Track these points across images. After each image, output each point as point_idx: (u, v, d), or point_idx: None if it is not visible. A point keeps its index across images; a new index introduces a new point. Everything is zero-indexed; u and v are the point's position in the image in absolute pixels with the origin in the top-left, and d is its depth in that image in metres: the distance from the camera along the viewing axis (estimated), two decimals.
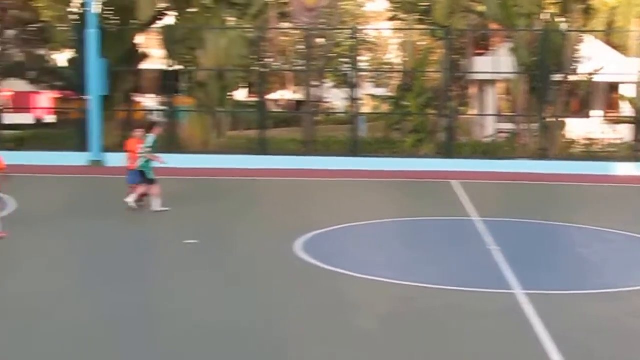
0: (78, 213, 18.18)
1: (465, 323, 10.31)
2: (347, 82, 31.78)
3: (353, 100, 30.52)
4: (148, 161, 18.16)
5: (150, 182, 18.25)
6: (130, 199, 18.13)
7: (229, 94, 30.64)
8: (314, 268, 13.23)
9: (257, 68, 29.57)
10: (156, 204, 18.15)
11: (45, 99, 39.39)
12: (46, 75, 36.45)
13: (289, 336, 9.85)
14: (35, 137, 30.69)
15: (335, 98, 40.32)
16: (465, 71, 32.35)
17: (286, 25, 35.41)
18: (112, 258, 14.17)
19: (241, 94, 42.94)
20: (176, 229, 16.58)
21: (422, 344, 9.56)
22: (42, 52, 36.77)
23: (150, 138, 18.13)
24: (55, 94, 39.60)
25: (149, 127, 18.83)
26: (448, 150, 28.89)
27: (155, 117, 35.38)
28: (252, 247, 14.94)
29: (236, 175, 25.54)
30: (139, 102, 37.36)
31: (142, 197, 18.37)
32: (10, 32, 35.98)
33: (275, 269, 13.28)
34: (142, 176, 18.33)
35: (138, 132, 18.90)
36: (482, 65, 32.82)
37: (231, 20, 30.06)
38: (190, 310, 10.69)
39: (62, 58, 36.55)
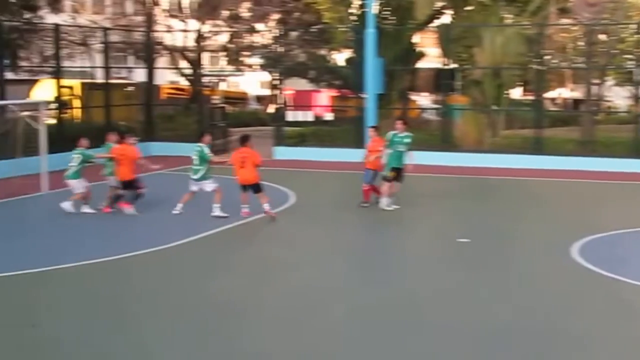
0: (351, 207, 18.86)
1: None
2: (631, 79, 30.39)
3: (637, 98, 29.19)
4: (400, 156, 18.29)
5: (388, 179, 18.48)
6: (384, 202, 18.41)
7: (504, 92, 30.39)
8: (592, 273, 12.95)
9: (535, 66, 29.07)
10: (385, 202, 18.34)
11: (324, 97, 41.02)
12: (325, 75, 38.05)
13: (573, 339, 9.78)
14: (315, 133, 32.10)
15: (617, 97, 38.66)
16: None
17: (566, 21, 34.49)
18: (383, 253, 14.71)
19: (516, 92, 42.41)
20: (449, 227, 16.80)
21: None
22: (322, 52, 38.39)
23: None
24: (334, 93, 41.15)
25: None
26: None
27: (428, 115, 35.91)
28: (525, 248, 14.86)
29: (510, 174, 25.31)
30: (414, 101, 38.01)
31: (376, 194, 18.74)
32: (294, 34, 37.88)
33: (550, 272, 13.16)
34: (374, 176, 18.62)
35: (372, 132, 19.80)
36: None
37: (509, 18, 29.79)
38: (468, 310, 10.88)
39: (340, 58, 37.97)
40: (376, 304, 11.07)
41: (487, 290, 11.95)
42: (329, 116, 36.57)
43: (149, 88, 33.20)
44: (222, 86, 36.10)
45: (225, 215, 17.16)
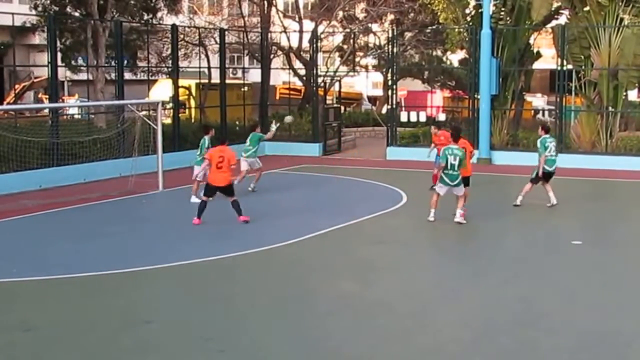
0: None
1: None
2: None
3: None
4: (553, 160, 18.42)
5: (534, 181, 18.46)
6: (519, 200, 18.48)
7: (624, 93, 29.63)
8: None
9: None
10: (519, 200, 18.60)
11: (437, 97, 40.91)
12: (439, 75, 37.91)
13: None
14: (428, 134, 31.95)
15: None
16: None
17: None
18: (501, 252, 14.67)
19: (633, 94, 41.27)
20: (563, 228, 16.60)
21: None
22: (436, 52, 38.26)
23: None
24: (447, 93, 40.99)
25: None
26: None
27: (543, 118, 35.34)
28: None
29: (625, 177, 24.73)
30: (528, 102, 37.47)
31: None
32: (408, 34, 37.90)
33: None
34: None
35: (434, 129, 21.55)
36: None
37: (627, 18, 29.02)
38: (556, 312, 10.76)
39: (455, 58, 37.78)
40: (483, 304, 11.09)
41: (585, 292, 11.81)
42: (442, 117, 36.42)
43: (264, 88, 33.80)
44: (336, 87, 36.37)
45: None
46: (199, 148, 19.30)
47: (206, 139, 19.18)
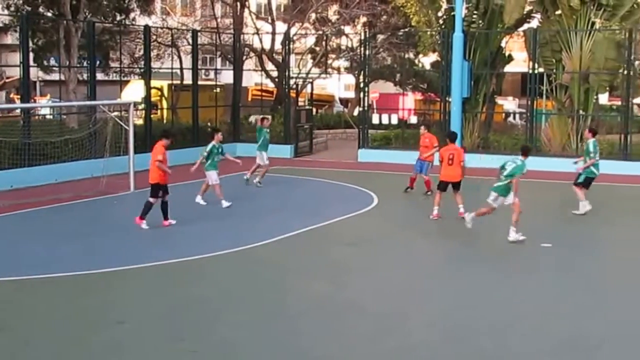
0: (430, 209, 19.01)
1: None
2: None
3: None
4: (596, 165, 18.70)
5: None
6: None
7: (594, 97, 29.94)
8: None
9: (624, 71, 28.56)
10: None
11: (409, 100, 41.06)
12: (411, 78, 38.04)
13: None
14: (399, 136, 32.16)
15: None
16: None
17: None
18: (473, 254, 14.77)
19: (603, 97, 41.63)
20: (534, 232, 16.71)
21: None
22: (408, 55, 38.40)
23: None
24: (419, 96, 41.15)
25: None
26: None
27: (514, 120, 35.62)
28: (606, 252, 14.77)
29: (596, 180, 24.90)
30: (499, 105, 37.71)
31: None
32: (381, 37, 37.99)
33: (629, 275, 13.06)
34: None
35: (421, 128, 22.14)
36: None
37: (598, 22, 29.33)
38: (528, 316, 10.84)
39: (426, 61, 37.93)
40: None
41: (554, 292, 11.93)
42: (413, 119, 36.58)
43: (236, 90, 33.76)
44: (308, 89, 36.43)
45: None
46: (209, 154, 19.19)
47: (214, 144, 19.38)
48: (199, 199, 19.24)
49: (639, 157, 27.26)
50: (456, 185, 17.93)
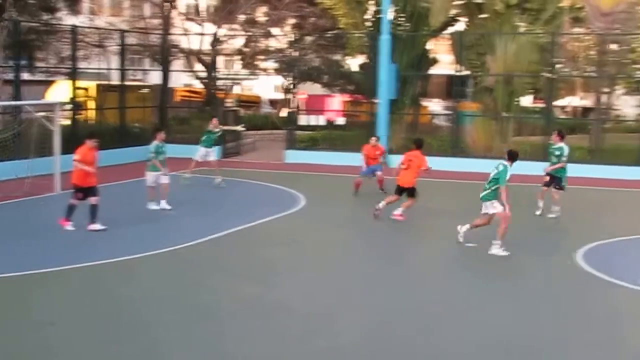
0: (356, 210, 19.21)
1: None
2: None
3: None
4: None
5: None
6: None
7: (515, 99, 30.58)
8: (593, 278, 13.19)
9: (546, 74, 29.26)
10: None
11: (337, 101, 41.30)
12: (339, 79, 38.31)
13: (550, 342, 10.01)
14: (326, 137, 32.39)
15: (626, 105, 38.78)
16: None
17: (579, 30, 34.68)
18: (398, 254, 14.96)
19: (526, 100, 42.49)
20: (454, 231, 16.98)
21: None
22: (336, 57, 38.67)
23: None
24: (346, 97, 41.41)
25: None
26: None
27: (440, 121, 36.11)
28: (531, 252, 15.06)
29: (518, 181, 25.13)
30: (425, 107, 38.20)
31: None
32: (309, 39, 38.16)
33: (553, 276, 13.41)
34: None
35: (373, 139, 21.91)
36: None
37: (522, 26, 29.98)
38: (453, 318, 11.10)
39: (354, 63, 38.23)
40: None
41: (480, 290, 12.19)
42: (341, 120, 36.81)
43: (164, 90, 33.54)
44: (236, 90, 36.37)
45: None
46: (157, 153, 18.86)
47: (157, 144, 18.95)
48: (163, 204, 18.69)
49: None
50: (409, 192, 17.91)
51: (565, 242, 16.15)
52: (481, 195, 14.73)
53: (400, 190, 17.97)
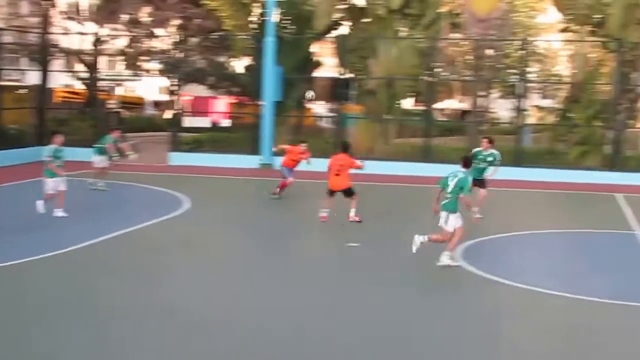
0: (243, 212, 19.31)
1: (620, 337, 10.43)
2: (514, 92, 31.72)
3: (519, 111, 30.49)
4: (481, 170, 18.79)
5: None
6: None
7: (397, 102, 31.23)
8: (471, 275, 13.61)
9: (426, 77, 30.04)
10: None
11: (222, 103, 41.25)
12: (224, 81, 38.24)
13: (431, 339, 10.34)
14: (211, 139, 32.32)
15: (501, 108, 40.21)
16: (636, 84, 31.68)
17: (457, 35, 35.73)
18: (278, 255, 15.09)
19: (408, 103, 43.43)
20: (340, 231, 17.24)
21: (567, 355, 9.87)
22: (222, 59, 38.58)
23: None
24: (232, 99, 41.40)
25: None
26: (614, 163, 28.47)
27: (324, 123, 36.53)
28: (410, 251, 15.42)
29: (401, 181, 26.08)
30: (310, 109, 38.57)
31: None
32: (194, 40, 37.97)
33: (432, 274, 13.74)
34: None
35: (303, 146, 21.68)
36: None
37: (403, 30, 30.67)
38: (335, 308, 11.35)
39: (239, 65, 38.26)
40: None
41: (356, 289, 12.44)
42: (225, 122, 36.76)
43: (43, 91, 32.74)
44: (119, 91, 35.85)
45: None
46: (55, 157, 17.77)
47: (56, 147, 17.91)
48: (59, 212, 17.79)
49: (440, 160, 28.65)
50: (347, 192, 18.12)
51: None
52: (442, 203, 14.30)
53: (332, 193, 18.15)
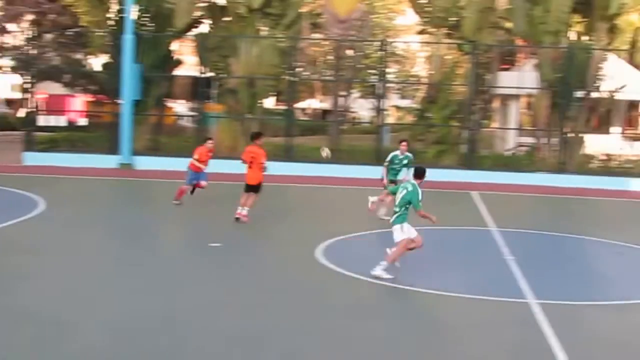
0: (104, 212, 18.93)
1: (476, 331, 10.78)
2: (374, 92, 32.36)
3: (379, 110, 31.10)
4: (395, 173, 18.83)
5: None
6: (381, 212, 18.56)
7: (258, 101, 31.27)
8: (332, 272, 13.76)
9: (287, 77, 30.19)
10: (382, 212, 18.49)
11: (79, 102, 40.25)
12: (81, 79, 37.31)
13: (295, 336, 10.42)
14: (67, 139, 31.49)
15: (361, 108, 40.95)
16: (490, 85, 32.92)
17: (318, 35, 36.10)
18: (147, 257, 14.86)
19: (270, 102, 43.59)
20: (202, 231, 17.13)
21: (426, 350, 10.10)
22: (78, 56, 37.62)
23: None
24: (89, 98, 40.47)
25: None
26: (469, 162, 29.45)
27: (184, 122, 36.21)
28: (272, 250, 15.48)
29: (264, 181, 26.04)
30: (170, 107, 38.13)
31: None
32: (49, 36, 36.87)
33: (294, 273, 13.83)
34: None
35: (210, 142, 20.88)
36: (507, 80, 33.37)
37: (264, 30, 30.73)
38: (199, 313, 11.24)
39: (97, 62, 37.42)
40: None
41: (222, 290, 12.39)
42: (83, 121, 35.88)
43: None
44: None
45: None
46: None
47: None
48: None
49: (302, 159, 28.92)
50: (253, 188, 17.80)
51: (306, 239, 16.69)
52: (391, 221, 13.48)
53: (249, 189, 17.85)
